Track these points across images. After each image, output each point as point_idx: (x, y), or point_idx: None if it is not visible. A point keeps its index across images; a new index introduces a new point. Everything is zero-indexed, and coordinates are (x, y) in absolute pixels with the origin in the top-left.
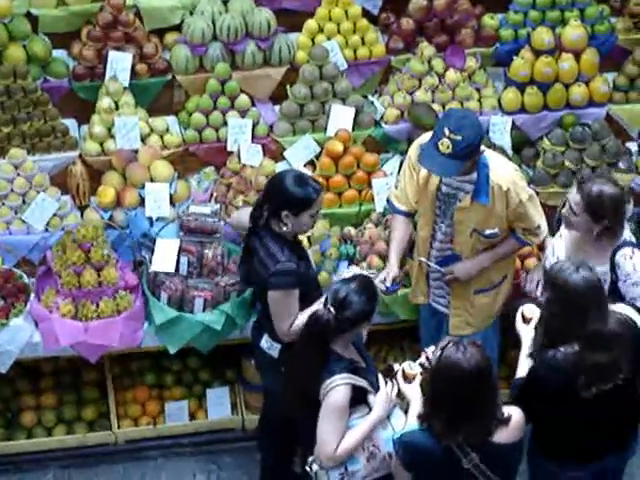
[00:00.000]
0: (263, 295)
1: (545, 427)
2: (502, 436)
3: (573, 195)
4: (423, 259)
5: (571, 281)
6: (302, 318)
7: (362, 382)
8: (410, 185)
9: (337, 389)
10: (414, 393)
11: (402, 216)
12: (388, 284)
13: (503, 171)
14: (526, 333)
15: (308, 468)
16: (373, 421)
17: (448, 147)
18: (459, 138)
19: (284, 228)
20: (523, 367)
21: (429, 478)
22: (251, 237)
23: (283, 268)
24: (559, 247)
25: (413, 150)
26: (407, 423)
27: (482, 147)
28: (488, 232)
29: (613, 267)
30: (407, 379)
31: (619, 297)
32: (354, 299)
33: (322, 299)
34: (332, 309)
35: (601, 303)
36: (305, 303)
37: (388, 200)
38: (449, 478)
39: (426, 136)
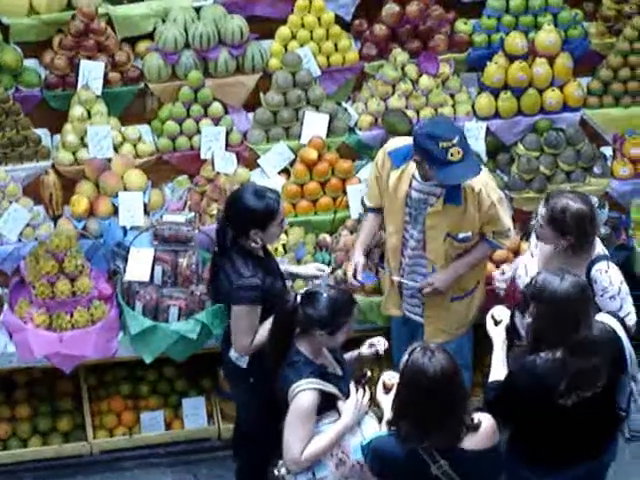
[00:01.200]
0: (229, 309)
1: (521, 433)
2: (472, 442)
3: (540, 208)
4: (397, 278)
5: (560, 291)
6: (263, 332)
7: (331, 388)
8: (375, 186)
9: (304, 393)
10: (389, 403)
11: (371, 213)
12: (359, 277)
13: None
14: (497, 335)
15: (276, 471)
16: (341, 428)
17: (459, 152)
18: (457, 139)
19: (254, 245)
20: (497, 370)
21: None
22: (218, 256)
23: (246, 283)
24: (532, 267)
25: (380, 155)
26: (380, 432)
27: None
28: (462, 236)
29: (589, 282)
30: (386, 389)
31: (598, 311)
32: (321, 302)
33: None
34: (299, 299)
35: (590, 307)
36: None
37: (362, 199)
38: None
39: (393, 142)
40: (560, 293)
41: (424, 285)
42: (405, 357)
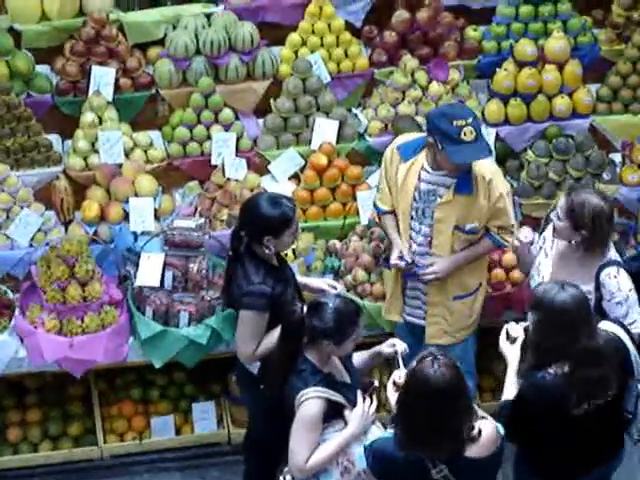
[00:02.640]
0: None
1: (535, 446)
2: (473, 450)
3: (561, 199)
4: (407, 258)
5: (558, 300)
6: (268, 340)
7: (338, 397)
8: (386, 186)
9: (310, 401)
10: None
11: (386, 215)
12: (408, 258)
13: (484, 162)
14: (512, 354)
15: (282, 478)
16: (347, 436)
17: (472, 132)
18: (471, 119)
19: (267, 251)
20: (510, 389)
21: None
22: (232, 263)
23: (254, 290)
24: (545, 266)
25: (388, 151)
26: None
27: None
28: (469, 227)
29: (598, 286)
30: (397, 387)
31: (604, 316)
32: (327, 312)
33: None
34: (305, 309)
35: (590, 319)
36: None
37: (374, 204)
38: None
39: (403, 137)
40: (557, 303)
41: (426, 272)
42: (413, 364)
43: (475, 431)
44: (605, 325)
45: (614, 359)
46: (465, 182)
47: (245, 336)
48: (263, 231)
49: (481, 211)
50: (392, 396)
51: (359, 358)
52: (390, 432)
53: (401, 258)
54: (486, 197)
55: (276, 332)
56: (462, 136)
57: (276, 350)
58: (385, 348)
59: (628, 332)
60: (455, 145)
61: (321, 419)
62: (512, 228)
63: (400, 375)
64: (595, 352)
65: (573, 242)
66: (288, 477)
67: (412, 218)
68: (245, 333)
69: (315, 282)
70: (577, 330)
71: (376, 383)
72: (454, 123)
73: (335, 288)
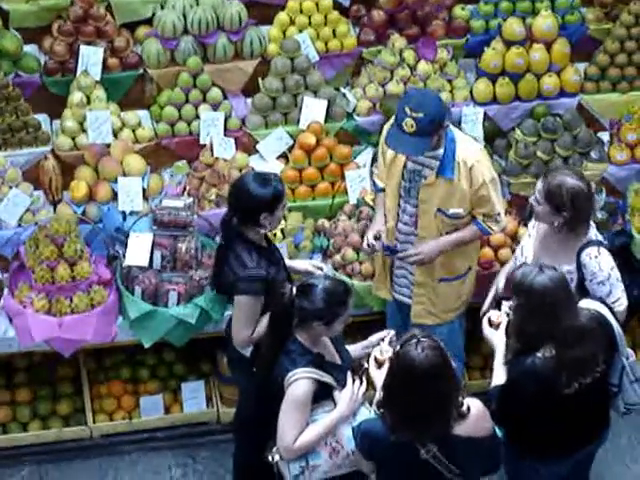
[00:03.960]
0: (231, 300)
1: (524, 428)
2: (462, 428)
3: (538, 183)
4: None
5: (537, 283)
6: (264, 323)
7: (327, 378)
8: (382, 164)
9: (299, 382)
10: (382, 380)
11: (381, 192)
12: (384, 240)
13: (469, 148)
14: (498, 339)
15: (270, 457)
16: (336, 417)
17: (412, 126)
18: (421, 115)
19: (262, 230)
20: (499, 375)
21: (388, 467)
22: (221, 251)
23: (251, 274)
24: (528, 247)
25: (385, 128)
26: (372, 410)
27: (447, 122)
28: (452, 211)
29: (579, 266)
30: (378, 364)
31: (587, 295)
32: (316, 293)
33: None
34: (294, 290)
35: (570, 299)
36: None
37: (373, 182)
38: (408, 467)
39: None
40: (536, 286)
41: (410, 253)
42: (397, 347)
43: (464, 408)
44: (586, 303)
45: (598, 336)
46: (447, 166)
47: (242, 321)
48: (259, 209)
49: (464, 197)
50: (374, 372)
51: (354, 353)
52: (377, 413)
53: (376, 238)
54: (468, 183)
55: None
56: (402, 124)
57: (266, 333)
58: (375, 339)
59: (609, 307)
60: (394, 129)
61: (310, 400)
62: (497, 216)
63: (382, 351)
64: (579, 331)
65: (556, 224)
66: (277, 456)
67: (401, 196)
68: (242, 318)
69: (301, 264)
70: (558, 312)
71: (366, 365)
72: (405, 109)
73: (321, 269)
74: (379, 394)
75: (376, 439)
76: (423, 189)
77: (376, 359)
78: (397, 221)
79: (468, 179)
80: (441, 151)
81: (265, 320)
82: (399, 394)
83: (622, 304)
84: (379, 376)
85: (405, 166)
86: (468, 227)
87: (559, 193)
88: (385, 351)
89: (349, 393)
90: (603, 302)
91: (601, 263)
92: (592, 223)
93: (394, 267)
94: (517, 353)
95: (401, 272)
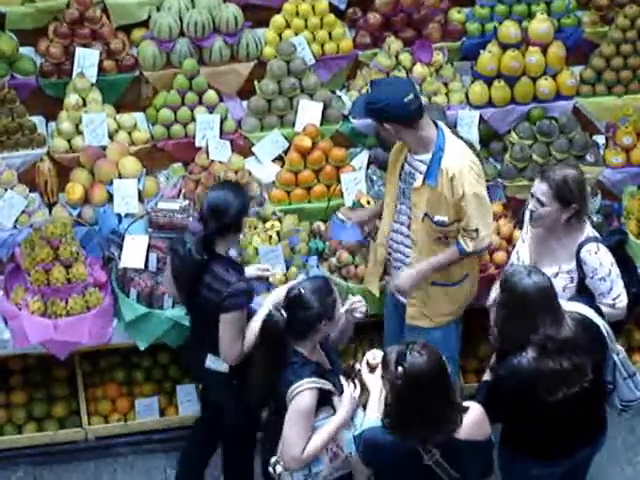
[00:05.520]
0: (212, 319)
1: (514, 428)
2: (462, 432)
3: (538, 186)
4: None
5: (521, 285)
6: (249, 335)
7: (328, 385)
8: None
9: (304, 393)
10: (375, 384)
11: None
12: (340, 215)
13: (455, 158)
14: (373, 384)
15: (272, 469)
16: (338, 423)
17: (368, 91)
18: (375, 102)
19: (241, 235)
20: (371, 414)
21: (389, 474)
22: (193, 272)
23: (235, 289)
24: (524, 252)
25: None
26: (366, 414)
27: (441, 125)
28: (437, 218)
29: (579, 264)
30: (370, 368)
31: (588, 294)
32: (306, 298)
33: (269, 305)
34: (284, 312)
35: (553, 308)
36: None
37: None
38: (410, 474)
39: None
40: (520, 288)
41: (391, 288)
42: (393, 355)
43: (463, 412)
44: (569, 306)
45: (585, 342)
46: (432, 173)
47: (234, 337)
48: (242, 215)
49: (448, 205)
50: (367, 376)
51: (248, 272)
52: (375, 419)
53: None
54: (450, 193)
55: (253, 323)
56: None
57: (259, 358)
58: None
59: (592, 307)
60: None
61: (314, 409)
62: (474, 233)
63: (374, 356)
64: (560, 344)
65: (563, 218)
66: (278, 468)
67: (398, 197)
68: (234, 334)
69: (249, 271)
70: (537, 318)
71: (357, 366)
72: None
73: (267, 270)
74: (378, 402)
75: (379, 447)
76: (414, 193)
77: (368, 363)
78: (393, 221)
79: (449, 189)
80: (429, 156)
81: (249, 331)
82: (397, 402)
83: (622, 301)
84: (372, 380)
85: (403, 168)
86: (448, 249)
87: (567, 187)
88: (377, 355)
89: (348, 397)
90: (584, 302)
91: (601, 259)
92: (587, 220)
93: (392, 266)
94: (497, 353)
95: (397, 271)
